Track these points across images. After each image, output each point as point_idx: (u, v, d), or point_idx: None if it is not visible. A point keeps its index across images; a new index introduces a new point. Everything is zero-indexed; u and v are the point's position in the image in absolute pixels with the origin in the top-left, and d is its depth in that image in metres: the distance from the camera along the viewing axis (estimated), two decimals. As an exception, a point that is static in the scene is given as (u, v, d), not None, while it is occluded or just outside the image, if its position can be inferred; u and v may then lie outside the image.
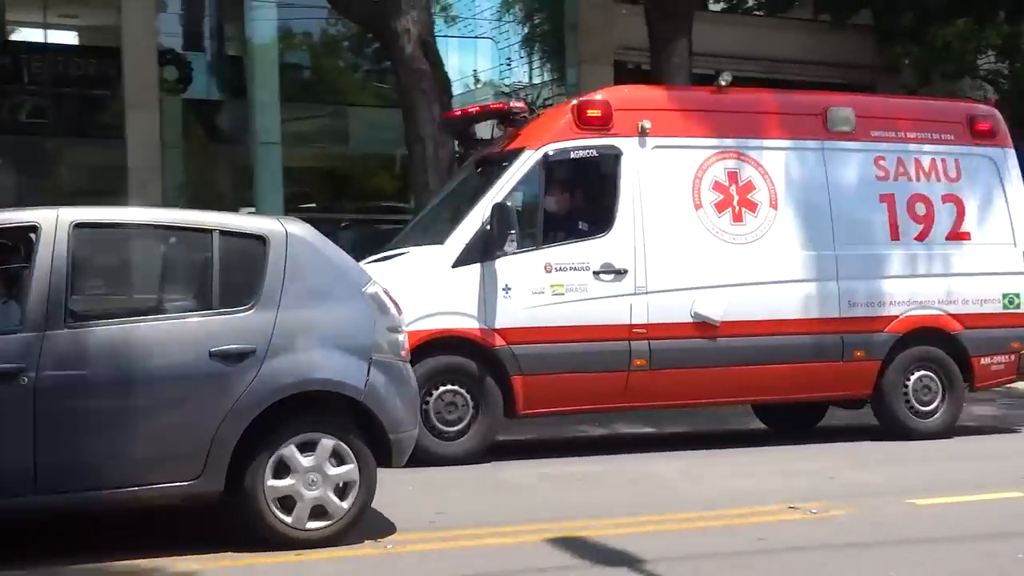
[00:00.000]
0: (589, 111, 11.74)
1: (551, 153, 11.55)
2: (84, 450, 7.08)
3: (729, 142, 12.16)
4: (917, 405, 12.32)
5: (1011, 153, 13.04)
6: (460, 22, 24.56)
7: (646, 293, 11.36)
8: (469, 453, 10.86)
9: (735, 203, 12.06)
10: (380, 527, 8.06)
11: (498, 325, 10.97)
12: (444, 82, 16.05)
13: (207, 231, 7.69)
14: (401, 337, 8.02)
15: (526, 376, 10.94)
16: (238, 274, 7.66)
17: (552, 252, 11.10)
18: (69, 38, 22.92)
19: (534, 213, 11.38)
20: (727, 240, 11.81)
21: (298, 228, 7.90)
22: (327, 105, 22.17)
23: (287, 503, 7.60)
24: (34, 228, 7.35)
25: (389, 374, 7.83)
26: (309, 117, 21.52)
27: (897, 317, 12.17)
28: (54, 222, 7.35)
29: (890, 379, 12.20)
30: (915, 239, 12.43)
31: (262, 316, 7.54)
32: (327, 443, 7.65)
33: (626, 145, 11.80)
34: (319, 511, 7.69)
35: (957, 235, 12.66)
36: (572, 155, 11.62)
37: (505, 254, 11.01)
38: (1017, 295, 12.59)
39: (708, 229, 11.81)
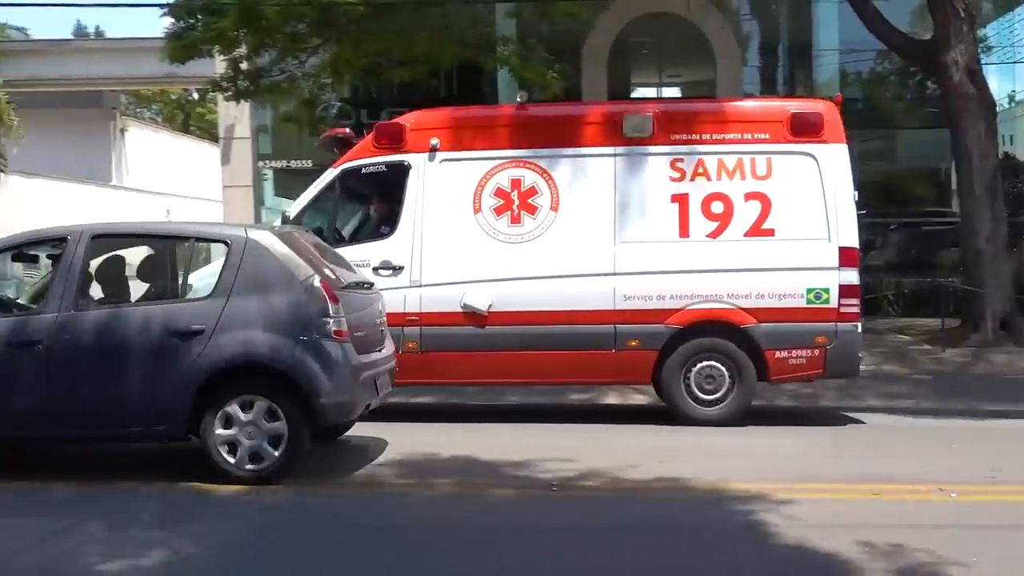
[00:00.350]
0: (382, 133, 13.49)
1: (346, 169, 13.41)
2: (81, 401, 9.63)
3: (517, 153, 13.28)
4: (699, 393, 12.86)
5: (839, 149, 13.07)
6: (999, 49, 27.76)
7: (420, 286, 12.88)
8: None
9: (515, 207, 13.16)
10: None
11: None
12: (989, 103, 18.79)
13: (186, 238, 10.27)
14: (331, 322, 9.81)
15: None
16: (186, 273, 10.26)
17: (341, 251, 11.99)
18: (675, 93, 28.34)
19: (334, 221, 13.40)
20: (503, 240, 12.96)
21: (258, 235, 10.09)
22: (877, 129, 25.93)
23: (233, 448, 9.85)
24: (63, 239, 10.19)
25: (316, 352, 9.74)
26: (863, 140, 24.00)
27: (679, 310, 12.71)
28: (79, 234, 10.18)
29: (669, 368, 12.79)
30: (707, 236, 12.90)
31: (215, 303, 9.79)
32: (262, 404, 9.84)
33: (415, 160, 13.36)
34: (256, 456, 9.88)
35: (759, 231, 12.94)
36: (364, 171, 13.37)
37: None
38: (826, 290, 12.66)
39: (485, 230, 13.04)
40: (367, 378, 10.35)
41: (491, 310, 12.76)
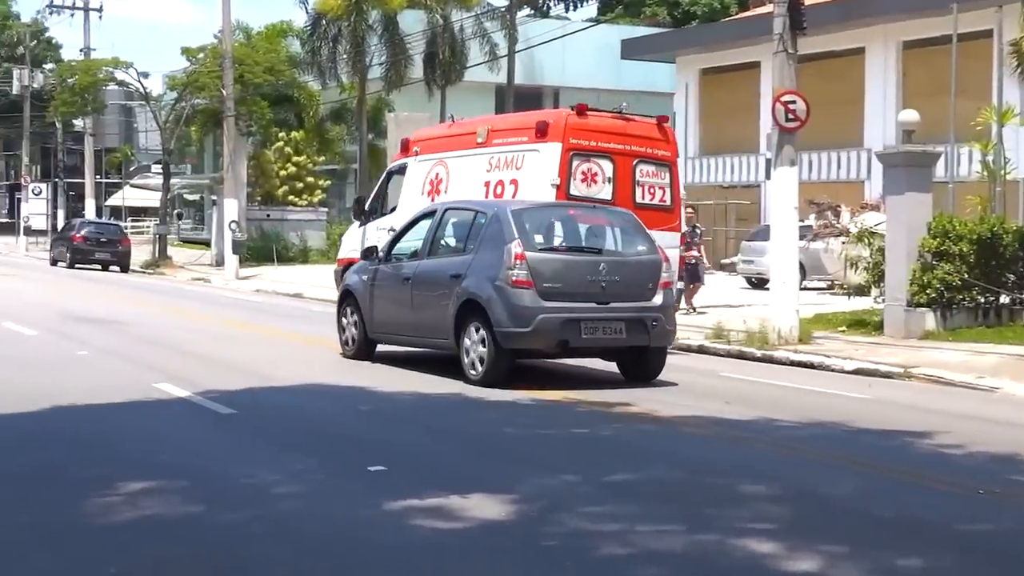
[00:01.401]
0: (402, 144, 23.63)
1: (389, 168, 24.13)
2: (420, 319, 15.97)
3: (440, 155, 21.75)
4: None
5: (554, 147, 19.46)
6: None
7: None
8: None
9: (435, 190, 21.46)
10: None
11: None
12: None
13: (467, 210, 16.26)
14: (513, 273, 14.84)
15: None
16: (470, 235, 15.84)
17: (373, 222, 22.92)
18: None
19: (384, 202, 23.58)
20: None
21: (499, 210, 15.68)
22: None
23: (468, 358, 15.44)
24: (434, 211, 17.05)
25: (501, 294, 14.88)
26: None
27: None
28: (440, 208, 17.15)
29: None
30: None
31: (468, 257, 15.52)
32: (479, 329, 15.14)
33: (410, 161, 22.66)
34: (476, 365, 15.21)
35: None
36: (392, 169, 23.62)
37: (364, 223, 23.81)
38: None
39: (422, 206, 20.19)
40: (551, 320, 14.86)
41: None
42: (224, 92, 43.20)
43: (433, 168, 22.24)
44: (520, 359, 15.42)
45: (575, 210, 16.75)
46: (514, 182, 20.31)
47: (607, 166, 20.34)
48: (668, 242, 19.34)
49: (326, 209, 56.24)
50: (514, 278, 15.03)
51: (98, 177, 75.21)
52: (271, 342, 19.49)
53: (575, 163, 20.06)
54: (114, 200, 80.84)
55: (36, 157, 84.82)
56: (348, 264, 22.21)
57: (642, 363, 16.09)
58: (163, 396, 13.08)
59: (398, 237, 17.68)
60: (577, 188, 19.97)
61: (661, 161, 20.97)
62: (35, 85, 72.31)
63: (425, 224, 17.12)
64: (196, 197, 72.91)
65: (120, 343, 18.38)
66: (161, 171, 55.42)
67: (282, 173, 55.54)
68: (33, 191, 66.59)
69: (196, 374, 14.68)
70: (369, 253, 17.87)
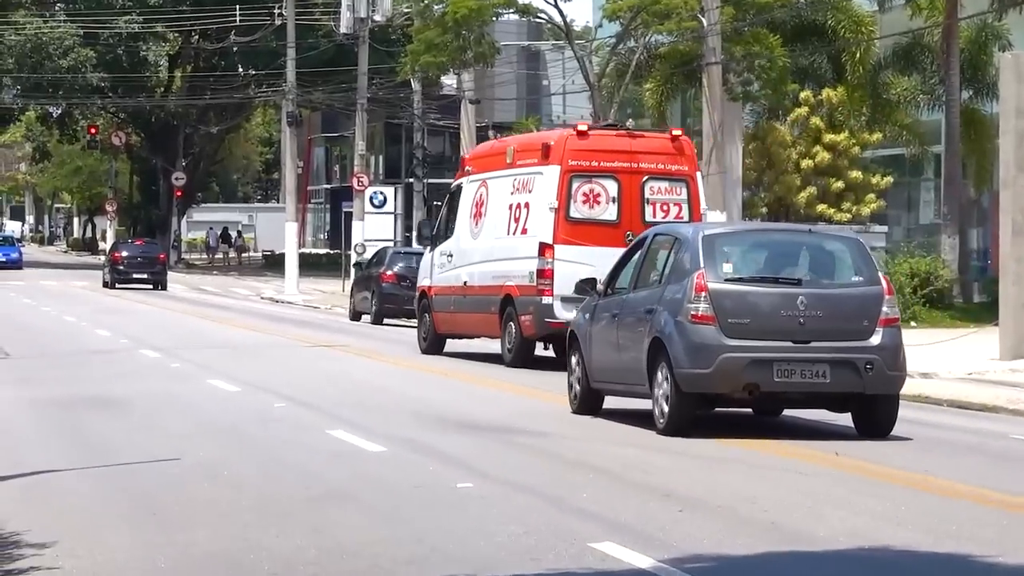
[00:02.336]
0: (461, 162, 29.99)
1: (452, 187, 28.56)
2: (626, 360, 16.83)
3: (483, 175, 26.63)
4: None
5: (553, 169, 24.29)
6: None
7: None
8: None
9: (478, 213, 26.36)
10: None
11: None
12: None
13: (673, 237, 17.23)
14: (692, 307, 15.62)
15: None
16: (666, 264, 16.82)
17: (438, 248, 28.16)
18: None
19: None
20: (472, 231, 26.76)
21: (687, 232, 16.93)
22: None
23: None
24: (644, 239, 17.98)
25: (680, 330, 15.75)
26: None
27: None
28: (651, 236, 18.09)
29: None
30: (510, 234, 25.55)
31: (657, 290, 16.46)
32: (663, 372, 15.82)
33: (464, 182, 27.46)
34: (665, 410, 15.82)
35: (523, 231, 25.10)
36: (454, 189, 28.20)
37: (432, 248, 28.45)
38: (533, 272, 24.54)
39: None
40: (736, 360, 15.25)
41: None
42: (704, 22, 36.75)
43: (478, 189, 26.68)
44: (716, 408, 16.10)
45: (781, 234, 18.33)
46: (527, 205, 24.90)
47: (611, 186, 24.36)
48: None
49: (884, 229, 44.12)
50: (693, 312, 15.42)
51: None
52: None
53: (575, 185, 24.28)
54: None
55: (378, 142, 76.32)
56: (423, 293, 28.07)
57: (865, 414, 15.94)
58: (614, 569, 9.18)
59: (618, 266, 17.82)
60: (578, 210, 24.30)
61: (676, 177, 24.56)
62: (378, 17, 54.49)
63: (637, 252, 17.49)
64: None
65: (526, 463, 14.35)
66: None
67: (805, 164, 42.02)
68: (373, 199, 52.56)
69: (646, 520, 10.91)
70: (585, 286, 18.39)
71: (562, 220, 24.12)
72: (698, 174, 25.01)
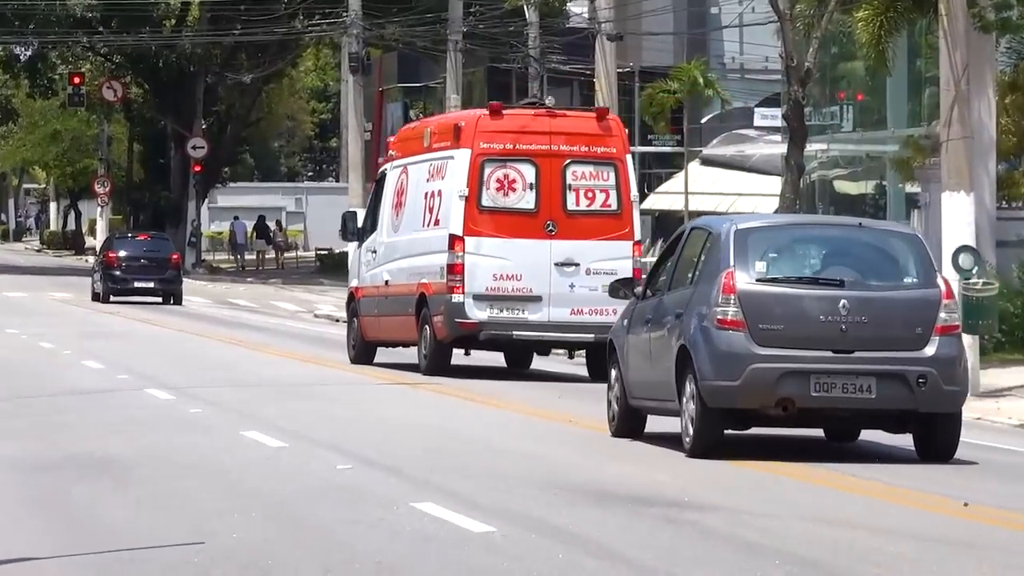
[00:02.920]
0: (387, 145, 38.39)
1: (378, 175, 36.78)
2: (659, 373, 20.53)
3: (404, 160, 33.20)
4: None
5: (464, 153, 29.55)
6: None
7: None
8: None
9: (399, 203, 32.80)
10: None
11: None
12: None
13: (707, 231, 20.72)
14: (719, 311, 18.98)
15: None
16: (698, 262, 20.39)
17: (365, 243, 35.28)
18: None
19: None
20: None
21: (722, 228, 20.08)
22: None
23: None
24: (682, 234, 21.54)
25: (705, 337, 19.23)
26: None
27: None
28: (687, 230, 22.01)
29: None
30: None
31: (689, 290, 19.95)
32: (691, 383, 19.34)
33: (387, 168, 34.90)
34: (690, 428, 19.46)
35: (436, 223, 30.92)
36: (379, 177, 35.67)
37: (359, 244, 36.05)
38: (443, 267, 30.10)
39: None
40: (767, 371, 18.43)
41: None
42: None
43: (399, 176, 32.91)
44: (749, 427, 19.71)
45: (826, 228, 21.77)
46: (440, 194, 30.48)
47: (528, 171, 29.65)
48: (617, 252, 29.73)
49: None
50: (720, 317, 18.70)
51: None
52: None
53: (487, 170, 29.61)
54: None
55: (478, 94, 79.35)
56: (351, 295, 34.90)
57: (924, 436, 19.24)
58: None
59: (657, 264, 21.96)
60: (492, 198, 29.71)
61: (602, 160, 29.88)
62: None
63: (676, 247, 21.01)
64: (857, 185, 64.63)
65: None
66: (788, 125, 48.27)
67: None
68: None
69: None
70: (618, 287, 22.58)
71: (473, 210, 29.79)
72: (628, 156, 30.65)
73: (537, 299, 30.86)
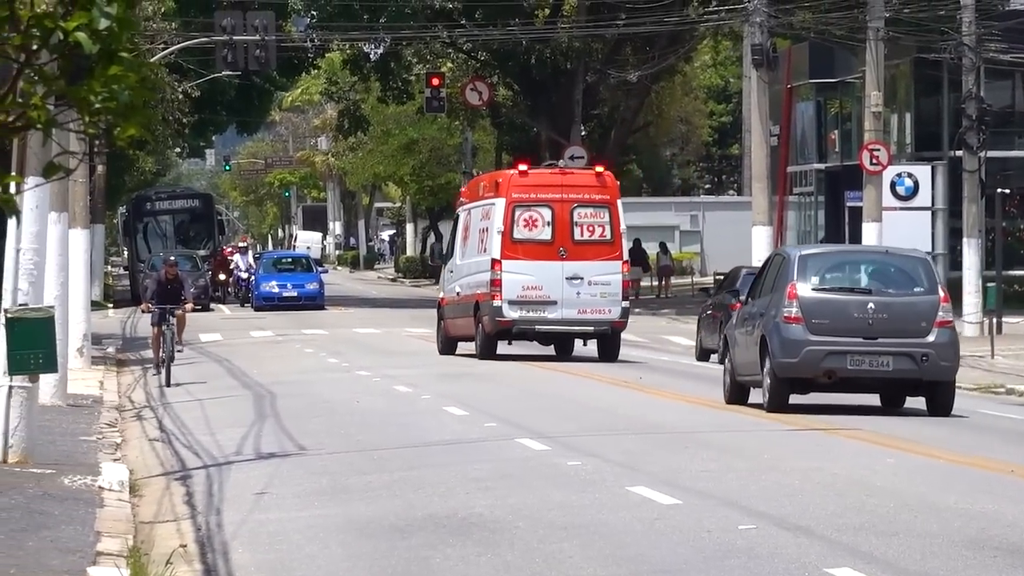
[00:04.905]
0: (459, 196, 70.12)
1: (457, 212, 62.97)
2: (750, 356, 37.02)
3: (468, 205, 57.55)
4: None
5: (501, 201, 51.64)
6: None
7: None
8: None
9: (465, 237, 56.91)
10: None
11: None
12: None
13: (783, 256, 38.54)
14: (783, 310, 34.66)
15: None
16: (776, 277, 37.91)
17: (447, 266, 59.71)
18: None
19: None
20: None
21: (792, 253, 37.51)
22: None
23: None
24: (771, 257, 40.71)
25: (775, 329, 35.43)
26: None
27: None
28: (772, 254, 43.67)
29: None
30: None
31: (768, 297, 36.28)
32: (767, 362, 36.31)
33: (460, 209, 60.82)
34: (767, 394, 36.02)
35: (483, 250, 52.87)
36: (458, 215, 61.60)
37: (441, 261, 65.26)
38: (487, 282, 52.02)
39: None
40: (817, 352, 33.29)
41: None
42: None
43: (465, 217, 53.93)
44: (805, 391, 34.50)
45: (861, 254, 38.11)
46: (487, 230, 50.71)
47: (546, 213, 50.04)
48: (610, 269, 50.22)
49: None
50: (786, 314, 33.07)
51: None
52: None
53: (518, 212, 49.96)
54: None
55: (903, 90, 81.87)
56: (439, 304, 56.44)
57: (929, 400, 34.25)
58: None
59: (755, 279, 37.41)
60: (520, 232, 49.89)
61: (599, 204, 50.63)
62: None
63: (766, 267, 37.05)
64: None
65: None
66: None
67: None
68: (896, 186, 59.96)
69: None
70: (730, 296, 40.53)
71: (507, 240, 49.49)
72: (619, 201, 50.99)
73: (553, 303, 50.09)
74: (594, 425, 32.08)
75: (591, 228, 50.44)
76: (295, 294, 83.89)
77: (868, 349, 33.29)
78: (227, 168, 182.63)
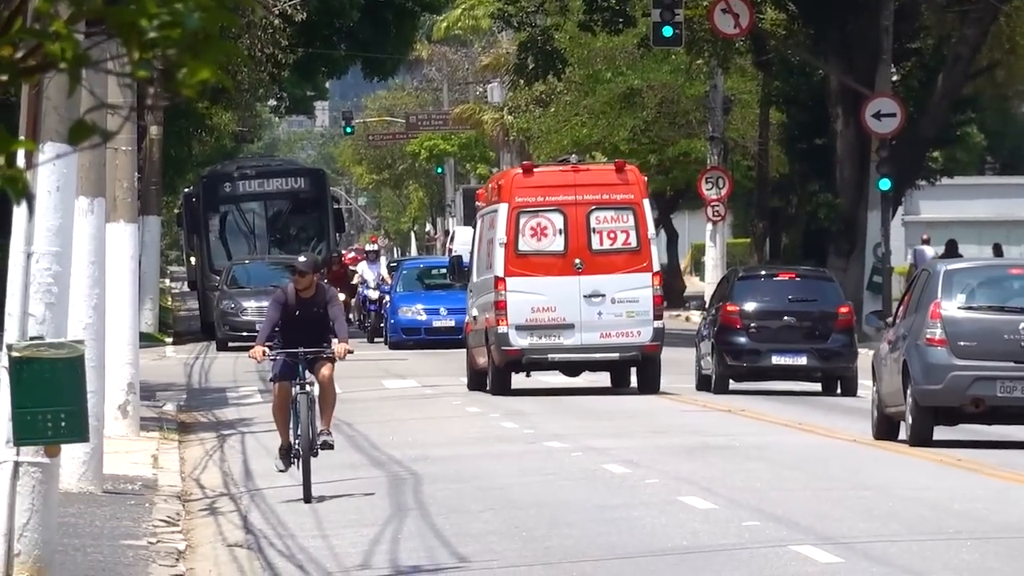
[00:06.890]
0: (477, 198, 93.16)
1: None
2: (896, 383, 50.05)
3: (482, 211, 74.39)
4: None
5: (503, 207, 63.70)
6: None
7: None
8: None
9: (478, 247, 72.55)
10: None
11: None
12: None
13: (927, 270, 52.09)
14: (927, 332, 47.39)
15: None
16: (921, 294, 50.87)
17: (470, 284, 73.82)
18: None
19: None
20: None
21: (940, 268, 50.74)
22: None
23: None
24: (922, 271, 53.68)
25: (917, 353, 48.61)
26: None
27: None
28: (920, 267, 66.03)
29: None
30: None
31: (912, 316, 50.19)
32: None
33: (478, 215, 78.17)
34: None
35: (489, 266, 66.25)
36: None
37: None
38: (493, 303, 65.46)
39: None
40: (962, 378, 44.05)
41: None
42: None
43: (480, 226, 66.17)
44: (952, 423, 44.38)
45: (1016, 268, 45.73)
46: (491, 242, 62.00)
47: (557, 219, 60.29)
48: (638, 283, 60.66)
49: None
50: (929, 336, 42.24)
51: None
52: None
53: (523, 220, 60.72)
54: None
55: None
56: (462, 330, 69.83)
57: None
58: None
59: (902, 298, 46.08)
60: (527, 244, 60.65)
61: (622, 205, 59.84)
62: None
63: (913, 284, 45.17)
64: None
65: None
66: None
67: None
68: None
69: None
70: (875, 317, 54.63)
71: (511, 254, 57.04)
72: (645, 201, 56.08)
73: (570, 327, 58.32)
74: (894, 526, 32.59)
75: (612, 235, 57.49)
76: (451, 323, 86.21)
77: (1020, 375, 40.58)
78: (348, 131, 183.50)
